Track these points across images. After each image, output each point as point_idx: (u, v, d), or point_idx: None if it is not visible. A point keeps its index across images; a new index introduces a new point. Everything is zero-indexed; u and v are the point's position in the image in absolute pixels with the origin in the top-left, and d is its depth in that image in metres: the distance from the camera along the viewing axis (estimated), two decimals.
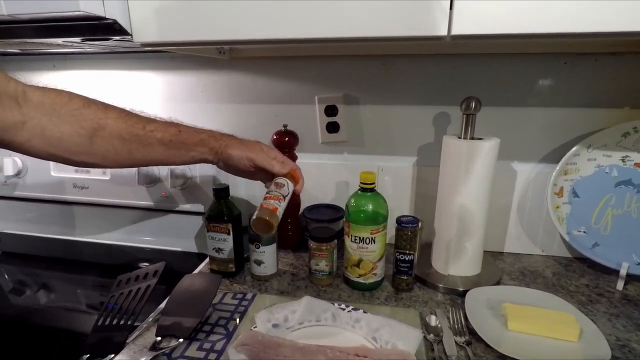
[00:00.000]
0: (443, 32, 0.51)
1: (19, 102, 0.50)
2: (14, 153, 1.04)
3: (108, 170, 1.01)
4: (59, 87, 0.54)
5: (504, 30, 0.50)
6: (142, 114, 0.60)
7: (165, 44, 0.59)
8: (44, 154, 0.53)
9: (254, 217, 0.59)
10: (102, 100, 0.58)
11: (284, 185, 0.64)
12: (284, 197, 0.63)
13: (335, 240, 0.77)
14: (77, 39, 0.64)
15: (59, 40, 0.65)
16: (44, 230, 1.09)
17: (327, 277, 0.76)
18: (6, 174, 1.03)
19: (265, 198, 0.61)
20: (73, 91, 0.55)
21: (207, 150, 0.63)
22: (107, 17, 0.54)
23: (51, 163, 1.04)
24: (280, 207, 0.61)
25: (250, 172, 0.66)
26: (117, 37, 0.60)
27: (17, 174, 1.05)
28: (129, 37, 0.59)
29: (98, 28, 0.56)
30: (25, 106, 0.50)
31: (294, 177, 0.67)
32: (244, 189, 0.99)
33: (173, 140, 0.60)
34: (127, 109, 0.59)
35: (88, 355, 0.57)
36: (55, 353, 0.65)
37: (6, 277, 0.94)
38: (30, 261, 1.01)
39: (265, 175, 0.67)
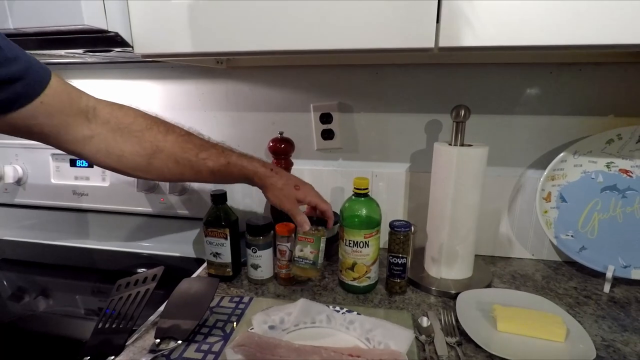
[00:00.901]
0: (430, 44, 0.53)
1: (89, 117, 0.54)
2: (15, 161, 1.07)
3: (107, 177, 1.02)
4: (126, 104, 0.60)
5: (489, 42, 0.52)
6: (199, 137, 0.65)
7: (165, 55, 0.62)
8: (107, 167, 0.58)
9: (292, 272, 0.74)
10: (164, 120, 0.62)
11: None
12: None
13: (324, 229, 0.74)
14: (80, 51, 0.66)
15: (62, 52, 0.67)
16: (44, 237, 1.09)
17: (310, 267, 0.72)
18: (7, 181, 1.05)
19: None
20: (140, 109, 0.61)
21: (247, 180, 0.68)
22: (109, 30, 0.56)
23: (51, 170, 1.06)
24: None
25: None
26: (119, 49, 0.62)
27: (18, 182, 1.06)
28: (130, 48, 0.61)
29: (100, 40, 0.59)
30: (94, 122, 0.54)
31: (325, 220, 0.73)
32: (240, 195, 1.01)
33: (221, 170, 0.65)
34: (185, 132, 0.64)
35: (89, 358, 0.58)
36: (54, 359, 0.65)
37: (5, 283, 0.94)
38: (29, 268, 1.01)
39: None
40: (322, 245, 0.73)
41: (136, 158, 0.58)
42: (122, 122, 0.57)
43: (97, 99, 0.55)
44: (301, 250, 0.72)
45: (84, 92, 0.54)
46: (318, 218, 0.73)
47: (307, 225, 0.69)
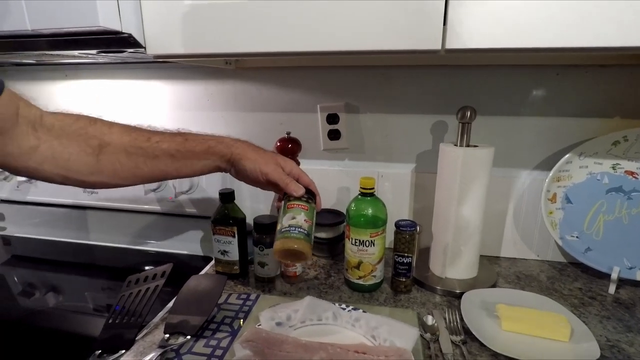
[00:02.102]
0: (437, 46, 0.54)
1: (36, 126, 0.52)
2: None
3: None
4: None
5: (495, 45, 0.53)
6: (149, 128, 0.61)
7: (176, 56, 0.63)
8: (56, 178, 0.54)
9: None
10: (108, 119, 0.59)
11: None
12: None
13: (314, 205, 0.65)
14: (94, 51, 0.68)
15: (76, 52, 0.69)
16: (54, 233, 1.11)
17: (305, 238, 0.57)
18: (19, 179, 1.07)
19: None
20: (83, 113, 0.57)
21: (217, 158, 0.61)
22: (123, 31, 0.57)
23: None
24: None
25: (262, 185, 0.64)
26: (131, 50, 0.64)
27: (29, 179, 1.08)
28: (142, 49, 0.62)
29: (114, 41, 0.60)
30: (40, 130, 0.52)
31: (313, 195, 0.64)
32: (248, 193, 1.02)
33: (180, 150, 0.59)
34: (133, 124, 0.60)
35: (100, 351, 0.60)
36: (64, 355, 0.66)
37: (15, 279, 0.96)
38: (40, 264, 1.03)
39: (278, 189, 0.64)
40: (315, 217, 0.63)
41: (83, 158, 0.54)
42: (65, 123, 0.54)
43: (44, 110, 0.54)
44: (293, 218, 0.60)
45: (32, 104, 0.53)
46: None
47: (301, 190, 0.62)
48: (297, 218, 0.59)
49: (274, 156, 0.64)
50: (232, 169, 0.63)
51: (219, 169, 0.63)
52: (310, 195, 0.64)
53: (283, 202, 0.63)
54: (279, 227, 0.59)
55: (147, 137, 0.58)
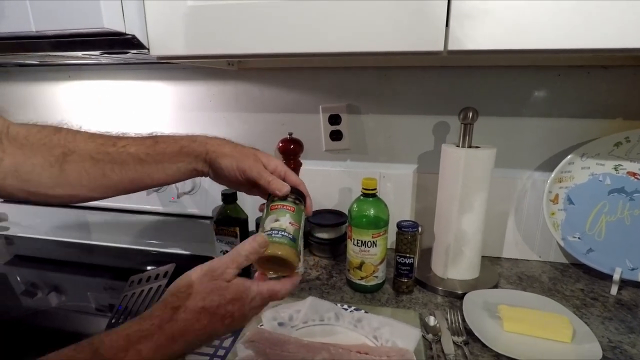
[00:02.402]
0: (440, 47, 0.54)
1: (1, 138, 0.49)
2: None
3: None
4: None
5: (497, 46, 0.53)
6: (119, 135, 0.56)
7: (180, 57, 0.63)
8: (19, 193, 0.50)
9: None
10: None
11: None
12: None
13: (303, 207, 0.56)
14: (97, 52, 0.68)
15: (80, 53, 0.69)
16: (56, 233, 1.11)
17: (289, 243, 0.49)
18: None
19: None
20: (49, 122, 0.53)
21: (192, 158, 0.55)
22: (127, 32, 0.58)
23: None
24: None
25: (245, 186, 0.57)
26: (135, 51, 0.64)
27: None
28: (146, 50, 0.62)
29: (118, 42, 0.60)
30: (5, 142, 0.49)
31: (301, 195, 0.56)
32: None
33: (150, 153, 0.53)
34: (101, 132, 0.56)
35: None
36: None
37: (18, 279, 0.96)
38: (42, 264, 1.03)
39: (261, 190, 0.55)
40: (303, 222, 0.55)
41: (47, 168, 0.50)
42: (30, 133, 0.50)
43: (11, 122, 0.51)
44: (276, 220, 0.50)
45: (1, 117, 0.50)
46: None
47: (285, 188, 0.53)
48: (281, 220, 0.50)
49: (255, 152, 0.57)
50: (210, 170, 0.56)
51: (196, 172, 0.56)
52: (299, 196, 0.55)
53: (266, 203, 0.54)
54: (259, 231, 0.50)
55: (113, 142, 0.53)
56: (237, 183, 0.56)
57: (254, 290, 0.46)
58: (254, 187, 0.56)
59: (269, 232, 0.49)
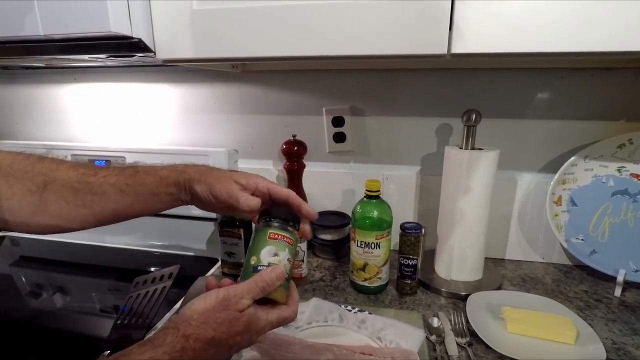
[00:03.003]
0: (443, 51, 0.54)
1: None
2: None
3: None
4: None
5: (500, 49, 0.53)
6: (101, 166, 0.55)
7: (186, 60, 0.64)
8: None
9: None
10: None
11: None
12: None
13: (297, 231, 0.52)
14: (103, 56, 0.69)
15: (86, 57, 0.70)
16: (61, 235, 1.11)
17: (284, 284, 0.47)
18: None
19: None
20: (35, 152, 0.53)
21: (172, 188, 0.53)
22: (133, 36, 0.58)
23: None
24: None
25: (229, 210, 0.53)
26: (141, 54, 0.65)
27: None
28: (152, 53, 0.63)
29: (124, 46, 0.61)
30: None
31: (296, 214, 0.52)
32: None
33: (130, 184, 0.52)
34: (84, 163, 0.55)
35: (109, 352, 0.60)
36: (71, 355, 0.66)
37: (23, 280, 0.97)
38: (47, 265, 1.04)
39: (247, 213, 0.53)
40: (293, 254, 0.50)
41: (27, 197, 0.49)
42: (15, 160, 0.50)
43: None
44: (275, 255, 0.48)
45: None
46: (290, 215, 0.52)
47: (254, 202, 0.51)
48: (280, 256, 0.47)
49: (232, 174, 0.54)
50: (190, 198, 0.54)
51: (179, 201, 0.54)
52: (295, 220, 0.52)
53: (260, 224, 0.51)
54: (252, 260, 0.47)
55: (94, 172, 0.53)
56: (215, 207, 0.54)
57: (264, 319, 0.46)
58: (234, 210, 0.53)
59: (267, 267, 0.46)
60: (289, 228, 0.50)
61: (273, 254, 0.47)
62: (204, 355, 0.42)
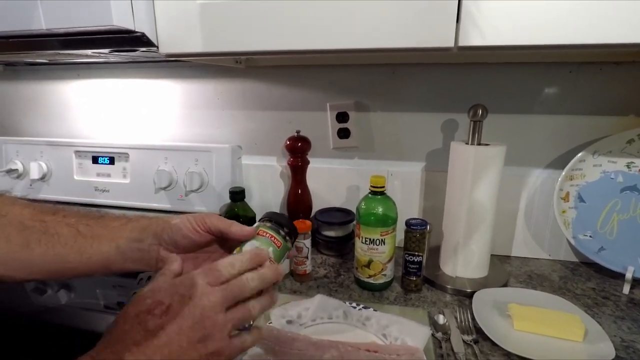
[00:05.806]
0: (450, 43, 0.53)
1: None
2: (40, 157, 1.10)
3: (128, 174, 1.05)
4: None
5: (508, 42, 0.52)
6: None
7: (189, 55, 0.63)
8: None
9: None
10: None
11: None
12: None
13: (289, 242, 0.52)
14: (106, 50, 0.68)
15: (89, 52, 0.70)
16: None
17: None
18: (32, 177, 1.08)
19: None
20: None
21: (137, 232, 0.49)
22: (136, 30, 0.58)
23: (74, 167, 1.09)
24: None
25: (212, 241, 0.52)
26: (144, 49, 0.64)
27: (42, 178, 1.09)
28: (155, 48, 0.62)
29: (127, 40, 0.60)
30: None
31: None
32: (258, 192, 1.03)
33: (91, 225, 0.48)
34: (49, 205, 0.52)
35: None
36: (76, 351, 0.67)
37: None
38: None
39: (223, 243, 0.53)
40: (278, 256, 0.49)
41: None
42: None
43: None
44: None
45: None
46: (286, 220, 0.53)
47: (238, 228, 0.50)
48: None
49: (188, 216, 0.51)
50: (161, 241, 0.49)
51: (139, 251, 0.49)
52: (292, 232, 0.52)
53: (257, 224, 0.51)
54: (235, 252, 0.48)
55: (53, 212, 0.49)
56: (196, 243, 0.51)
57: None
58: (208, 242, 0.52)
59: None
60: (280, 232, 0.50)
61: (255, 248, 0.47)
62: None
